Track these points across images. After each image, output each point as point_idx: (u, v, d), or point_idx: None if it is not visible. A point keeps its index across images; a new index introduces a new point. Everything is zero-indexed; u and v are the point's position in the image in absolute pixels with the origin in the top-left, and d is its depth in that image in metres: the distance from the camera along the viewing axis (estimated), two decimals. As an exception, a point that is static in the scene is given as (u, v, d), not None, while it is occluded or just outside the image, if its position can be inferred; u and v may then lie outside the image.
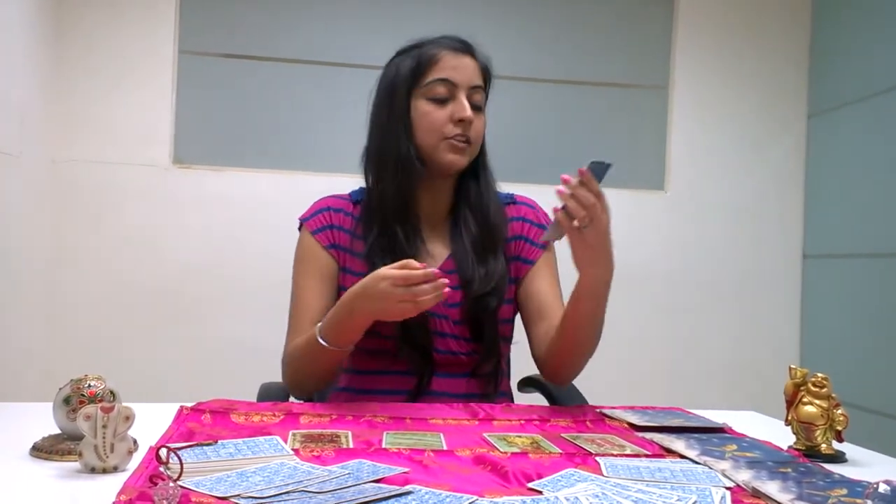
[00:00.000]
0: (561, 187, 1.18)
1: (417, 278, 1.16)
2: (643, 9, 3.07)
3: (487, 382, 1.43)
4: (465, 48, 1.42)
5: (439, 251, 1.45)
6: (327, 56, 2.87)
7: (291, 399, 1.47)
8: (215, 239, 2.77)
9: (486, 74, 1.45)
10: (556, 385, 1.48)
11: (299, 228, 1.50)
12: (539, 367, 1.44)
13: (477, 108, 1.41)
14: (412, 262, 1.19)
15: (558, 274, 1.49)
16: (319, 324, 1.29)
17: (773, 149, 3.12)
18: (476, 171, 1.46)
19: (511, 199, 1.54)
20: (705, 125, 3.07)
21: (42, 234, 2.62)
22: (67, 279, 2.70)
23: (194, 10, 2.80)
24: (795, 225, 3.12)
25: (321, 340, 1.27)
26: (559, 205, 1.19)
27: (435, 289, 1.16)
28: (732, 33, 3.09)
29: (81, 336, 2.70)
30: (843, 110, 2.94)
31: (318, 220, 1.47)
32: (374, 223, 1.41)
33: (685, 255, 2.98)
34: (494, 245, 1.44)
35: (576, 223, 1.18)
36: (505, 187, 1.55)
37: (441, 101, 1.39)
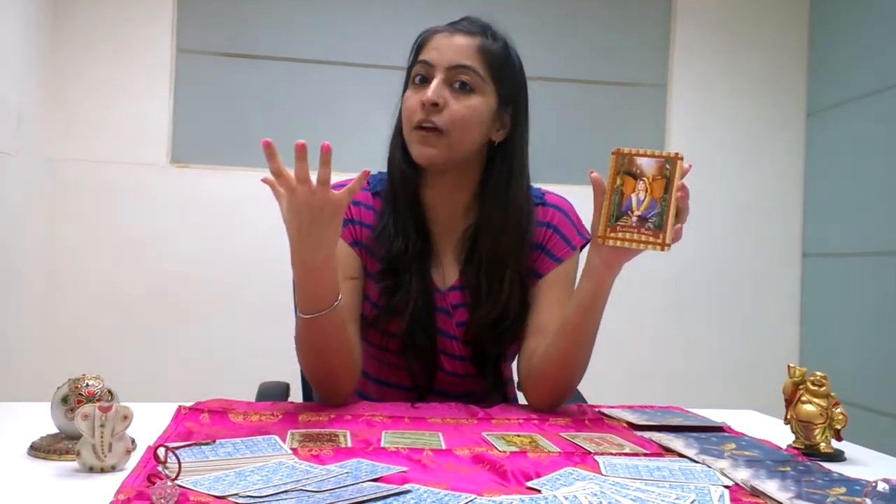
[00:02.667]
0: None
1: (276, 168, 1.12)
2: (642, 7, 3.07)
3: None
4: (464, 27, 1.31)
5: (454, 265, 1.36)
6: (326, 55, 2.87)
7: (290, 399, 1.46)
8: (213, 238, 2.77)
9: (487, 55, 1.29)
10: (536, 408, 1.28)
11: None
12: (522, 383, 1.34)
13: (461, 89, 1.26)
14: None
15: (572, 292, 1.31)
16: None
17: (772, 147, 3.12)
18: (499, 177, 1.32)
19: (541, 200, 1.39)
20: (704, 123, 3.08)
21: (39, 233, 2.62)
22: (65, 278, 2.70)
23: (192, 8, 2.80)
24: (795, 223, 3.12)
25: (301, 313, 1.16)
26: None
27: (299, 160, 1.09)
28: (731, 31, 3.10)
29: (79, 335, 2.70)
30: (843, 108, 2.94)
31: None
32: (388, 224, 1.32)
33: (684, 254, 2.98)
34: (508, 275, 1.31)
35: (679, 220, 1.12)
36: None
37: (420, 84, 1.28)
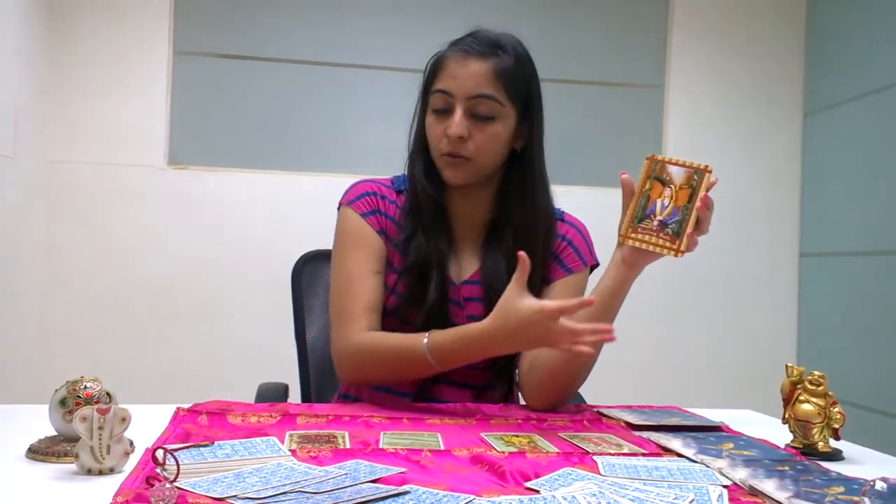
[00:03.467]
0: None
1: (572, 309, 1.13)
2: (638, 7, 3.08)
3: (497, 401, 1.38)
4: (477, 50, 1.31)
5: (471, 260, 1.40)
6: (322, 56, 2.87)
7: (289, 400, 1.46)
8: (211, 239, 2.77)
9: (504, 77, 1.31)
10: (536, 407, 1.31)
11: (339, 208, 1.42)
12: (523, 383, 1.36)
13: (481, 119, 1.31)
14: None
15: None
16: (427, 341, 1.22)
17: (768, 147, 3.12)
18: (522, 184, 1.38)
19: (560, 217, 1.46)
20: (701, 124, 3.08)
21: (37, 235, 2.62)
22: (63, 281, 2.69)
23: (189, 10, 2.80)
24: (791, 223, 3.12)
25: (432, 360, 1.22)
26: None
27: (595, 335, 1.13)
28: (728, 32, 3.10)
29: (77, 337, 2.69)
30: (839, 108, 2.94)
31: (367, 203, 1.39)
32: (411, 219, 1.37)
33: (681, 254, 2.97)
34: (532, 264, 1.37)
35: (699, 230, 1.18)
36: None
37: (442, 113, 1.32)
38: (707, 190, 1.16)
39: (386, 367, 1.29)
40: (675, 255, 1.16)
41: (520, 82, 1.34)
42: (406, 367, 1.27)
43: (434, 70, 1.35)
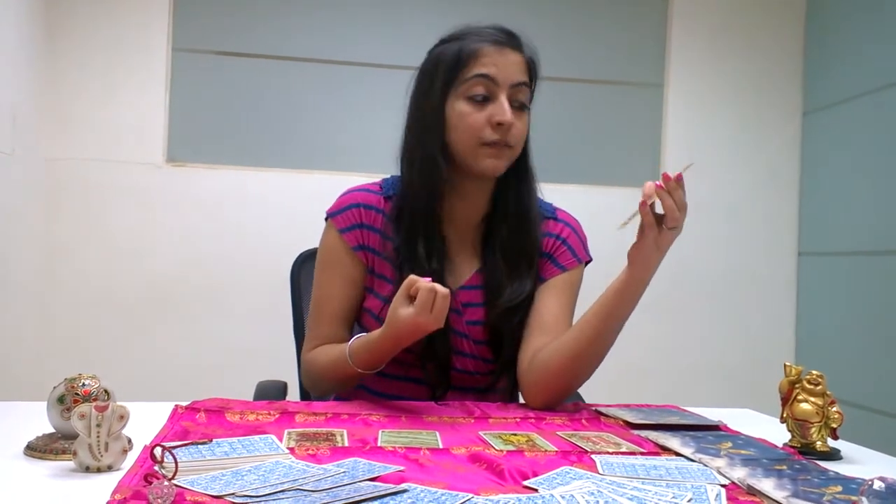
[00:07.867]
0: (659, 182, 1.17)
1: (419, 287, 1.14)
2: (638, 6, 3.07)
3: (503, 400, 1.38)
4: (509, 41, 1.33)
5: (468, 264, 1.40)
6: (321, 53, 2.87)
7: (287, 398, 1.47)
8: (209, 237, 2.77)
9: (532, 68, 1.36)
10: (536, 405, 1.30)
11: (326, 220, 1.41)
12: (522, 381, 1.34)
13: (520, 108, 1.32)
14: (413, 277, 1.17)
15: (574, 301, 1.41)
16: (349, 347, 1.27)
17: (767, 146, 3.12)
18: (517, 174, 1.38)
19: (552, 215, 1.46)
20: (700, 122, 3.08)
21: (35, 232, 2.61)
22: (61, 278, 2.69)
23: (188, 7, 2.80)
24: (790, 222, 3.12)
25: (352, 363, 1.26)
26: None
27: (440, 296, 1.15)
28: (727, 31, 3.10)
29: (75, 334, 2.69)
30: (838, 108, 2.94)
31: (348, 218, 1.38)
32: (401, 227, 1.35)
33: (680, 253, 2.97)
34: (530, 258, 1.38)
35: (665, 225, 1.20)
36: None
37: (480, 101, 1.30)
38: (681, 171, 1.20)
39: (325, 378, 1.35)
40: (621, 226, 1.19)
41: (537, 78, 1.38)
42: (338, 376, 1.32)
43: (465, 58, 1.31)
